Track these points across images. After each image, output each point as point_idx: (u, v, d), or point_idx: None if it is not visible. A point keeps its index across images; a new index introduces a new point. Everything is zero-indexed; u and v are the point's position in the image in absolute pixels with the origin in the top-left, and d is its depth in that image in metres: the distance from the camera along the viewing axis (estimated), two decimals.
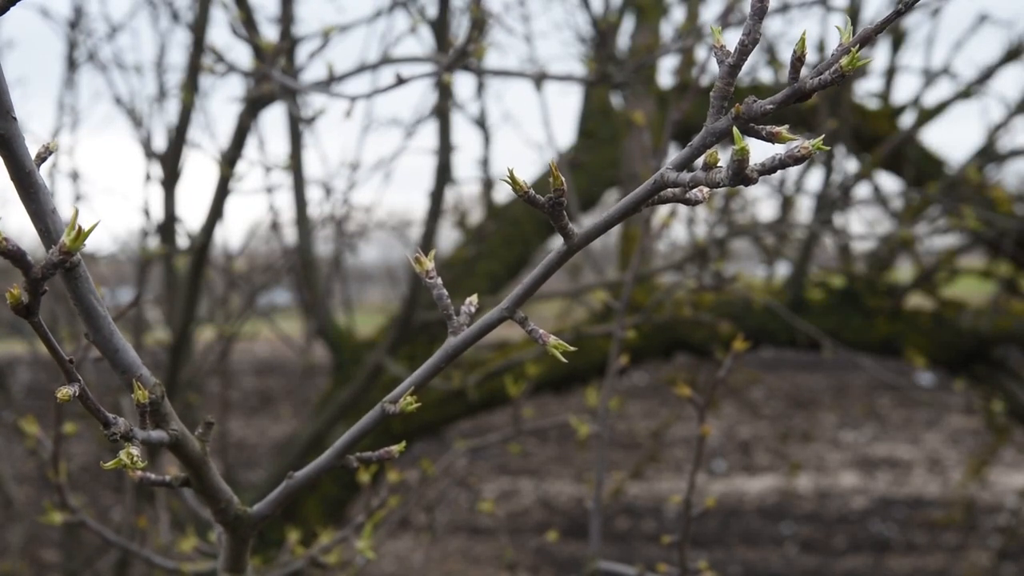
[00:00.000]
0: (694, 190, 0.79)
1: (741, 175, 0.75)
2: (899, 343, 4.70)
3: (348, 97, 2.19)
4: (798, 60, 0.77)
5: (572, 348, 0.91)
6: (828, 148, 0.76)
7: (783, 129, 0.76)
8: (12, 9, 0.86)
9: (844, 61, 0.74)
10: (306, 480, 1.15)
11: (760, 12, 0.75)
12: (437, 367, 1.01)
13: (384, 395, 1.07)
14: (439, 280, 1.01)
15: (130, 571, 3.83)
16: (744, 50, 0.77)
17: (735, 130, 0.76)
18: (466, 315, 1.01)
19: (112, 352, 0.97)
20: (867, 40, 0.73)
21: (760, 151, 0.86)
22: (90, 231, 0.79)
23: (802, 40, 0.76)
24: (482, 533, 7.94)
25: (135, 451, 0.91)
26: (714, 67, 0.76)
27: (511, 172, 0.84)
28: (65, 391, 0.86)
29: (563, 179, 0.84)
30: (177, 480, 1.15)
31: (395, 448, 1.13)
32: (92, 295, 0.93)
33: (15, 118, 0.87)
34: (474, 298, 1.02)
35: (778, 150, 0.78)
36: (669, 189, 0.81)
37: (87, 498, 7.08)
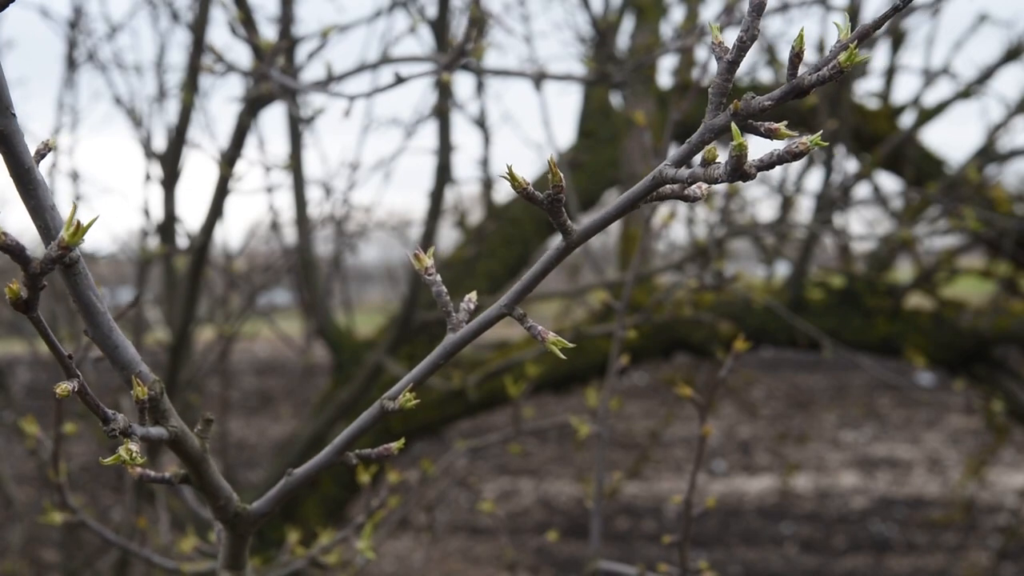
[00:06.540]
0: (693, 186, 0.79)
1: (739, 171, 0.75)
2: (899, 343, 4.70)
3: (348, 97, 2.19)
4: (796, 56, 0.77)
5: (571, 345, 0.91)
6: (826, 144, 0.76)
7: (781, 125, 0.76)
8: (12, 9, 0.86)
9: (842, 57, 0.74)
10: (305, 477, 1.15)
11: (759, 9, 0.75)
12: (436, 364, 1.01)
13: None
14: (438, 277, 1.01)
15: (130, 571, 3.83)
16: (742, 46, 0.77)
17: (733, 126, 0.76)
18: (465, 312, 1.01)
19: (111, 348, 0.97)
20: (865, 36, 0.73)
21: (758, 147, 0.86)
22: (89, 226, 0.79)
23: (800, 36, 0.76)
24: (482, 533, 7.94)
25: (134, 447, 0.91)
26: (715, 67, 0.76)
27: (510, 169, 0.84)
28: (64, 387, 0.86)
29: (561, 176, 0.84)
30: (177, 477, 1.15)
31: (394, 445, 1.13)
32: (91, 291, 0.93)
33: (14, 114, 0.87)
34: (473, 295, 1.02)
35: (776, 146, 0.78)
36: (668, 185, 0.81)
37: (87, 498, 7.08)
